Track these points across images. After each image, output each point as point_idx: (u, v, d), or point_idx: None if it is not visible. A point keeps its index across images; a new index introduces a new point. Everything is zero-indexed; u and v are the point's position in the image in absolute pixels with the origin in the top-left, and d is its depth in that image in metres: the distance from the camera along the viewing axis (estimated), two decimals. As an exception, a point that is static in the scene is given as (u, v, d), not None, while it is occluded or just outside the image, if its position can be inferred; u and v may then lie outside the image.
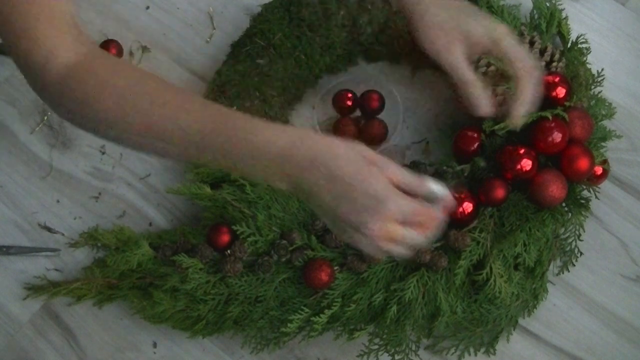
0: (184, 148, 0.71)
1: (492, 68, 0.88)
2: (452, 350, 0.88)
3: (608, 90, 0.95)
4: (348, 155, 0.68)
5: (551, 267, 0.90)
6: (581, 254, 0.90)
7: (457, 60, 0.84)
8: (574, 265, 0.90)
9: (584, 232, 0.90)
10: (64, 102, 0.73)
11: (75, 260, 0.95)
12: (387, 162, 0.70)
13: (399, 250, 0.71)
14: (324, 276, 0.84)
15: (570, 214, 0.88)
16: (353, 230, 0.69)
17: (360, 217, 0.68)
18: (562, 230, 0.89)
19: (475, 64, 0.89)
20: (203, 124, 0.70)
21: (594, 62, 0.93)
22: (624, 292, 0.91)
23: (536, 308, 0.89)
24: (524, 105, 0.83)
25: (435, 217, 0.70)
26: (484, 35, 0.83)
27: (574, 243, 0.90)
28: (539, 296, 0.89)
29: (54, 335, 0.92)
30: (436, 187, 0.71)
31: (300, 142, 0.68)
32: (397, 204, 0.68)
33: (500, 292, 0.84)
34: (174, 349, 0.91)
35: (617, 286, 0.91)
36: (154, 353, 0.91)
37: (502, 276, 0.84)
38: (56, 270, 0.95)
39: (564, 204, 0.88)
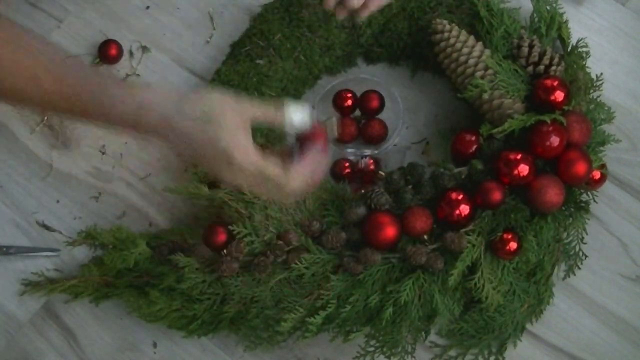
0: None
1: (489, 71, 0.88)
2: (460, 359, 0.87)
3: (608, 91, 0.95)
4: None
5: (555, 270, 0.89)
6: (586, 257, 0.90)
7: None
8: (580, 268, 0.90)
9: (587, 234, 0.89)
10: None
11: (74, 260, 0.96)
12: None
13: None
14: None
15: (571, 218, 0.88)
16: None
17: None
18: (565, 234, 0.89)
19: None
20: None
21: (594, 62, 0.93)
22: (624, 292, 0.90)
23: (542, 313, 0.89)
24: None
25: None
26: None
27: (577, 247, 0.89)
28: (545, 301, 0.88)
29: (54, 335, 0.93)
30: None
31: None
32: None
33: (486, 298, 0.84)
34: (174, 349, 0.91)
35: (617, 286, 0.91)
36: (154, 353, 0.91)
37: (491, 282, 0.84)
38: (56, 270, 0.95)
39: (564, 208, 0.87)
